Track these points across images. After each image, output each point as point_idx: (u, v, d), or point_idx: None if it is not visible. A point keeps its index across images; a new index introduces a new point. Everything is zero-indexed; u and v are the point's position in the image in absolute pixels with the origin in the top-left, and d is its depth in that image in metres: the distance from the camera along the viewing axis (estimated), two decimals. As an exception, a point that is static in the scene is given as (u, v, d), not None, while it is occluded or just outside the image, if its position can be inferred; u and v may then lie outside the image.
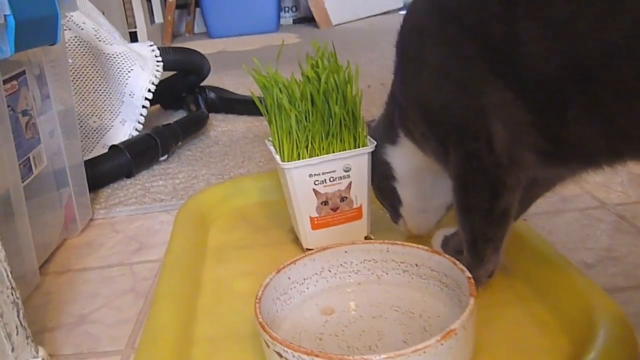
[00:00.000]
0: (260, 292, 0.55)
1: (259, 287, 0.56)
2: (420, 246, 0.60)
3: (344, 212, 0.73)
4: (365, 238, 0.75)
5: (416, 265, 0.60)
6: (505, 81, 0.51)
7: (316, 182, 0.70)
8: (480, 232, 0.59)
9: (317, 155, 0.69)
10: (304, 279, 0.61)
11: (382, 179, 0.72)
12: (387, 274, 0.62)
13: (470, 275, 0.53)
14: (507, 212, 0.58)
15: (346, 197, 0.72)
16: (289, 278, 0.60)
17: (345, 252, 0.63)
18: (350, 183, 0.71)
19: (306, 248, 0.74)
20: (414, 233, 0.73)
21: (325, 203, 0.72)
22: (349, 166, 0.70)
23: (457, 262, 0.56)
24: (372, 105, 1.51)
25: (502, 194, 0.56)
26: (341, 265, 0.63)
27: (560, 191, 0.89)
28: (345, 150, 0.70)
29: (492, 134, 0.54)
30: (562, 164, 0.57)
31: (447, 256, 0.57)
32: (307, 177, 0.70)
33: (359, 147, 0.71)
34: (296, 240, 0.78)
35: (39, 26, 0.76)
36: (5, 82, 0.72)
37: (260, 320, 0.51)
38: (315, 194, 0.71)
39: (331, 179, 0.70)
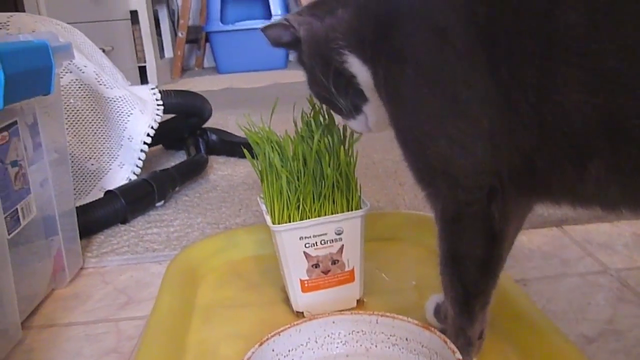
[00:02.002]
0: (241, 368, 0.53)
1: (240, 362, 0.53)
2: (410, 320, 0.58)
3: (336, 275, 0.70)
4: (358, 301, 0.73)
5: (406, 339, 0.58)
6: (524, 132, 0.47)
7: (307, 245, 0.68)
8: (473, 285, 0.55)
9: (309, 217, 0.67)
10: (289, 351, 0.59)
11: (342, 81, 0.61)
12: (376, 346, 0.60)
13: (460, 357, 0.51)
14: (501, 260, 0.55)
15: (338, 260, 0.70)
16: (273, 350, 0.57)
17: (333, 322, 0.60)
18: (343, 246, 0.69)
19: (296, 311, 0.72)
20: (374, 131, 0.64)
21: (316, 266, 0.69)
22: (340, 229, 0.68)
23: (448, 340, 0.53)
24: (374, 150, 1.50)
25: (500, 240, 0.53)
26: (328, 336, 0.60)
27: (561, 253, 0.87)
28: (338, 212, 0.68)
29: (496, 190, 0.50)
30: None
31: (438, 333, 0.55)
32: (298, 239, 0.68)
33: (352, 209, 0.69)
34: (288, 300, 0.75)
35: (31, 78, 0.75)
36: (-5, 133, 0.71)
37: (238, 402, 0.48)
38: (305, 256, 0.69)
39: (322, 242, 0.68)
